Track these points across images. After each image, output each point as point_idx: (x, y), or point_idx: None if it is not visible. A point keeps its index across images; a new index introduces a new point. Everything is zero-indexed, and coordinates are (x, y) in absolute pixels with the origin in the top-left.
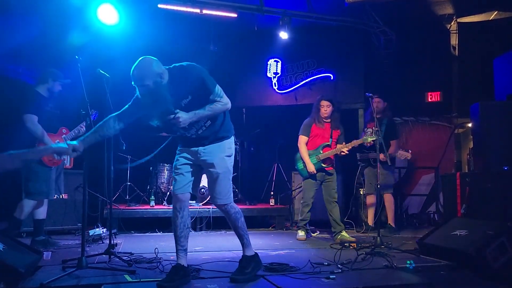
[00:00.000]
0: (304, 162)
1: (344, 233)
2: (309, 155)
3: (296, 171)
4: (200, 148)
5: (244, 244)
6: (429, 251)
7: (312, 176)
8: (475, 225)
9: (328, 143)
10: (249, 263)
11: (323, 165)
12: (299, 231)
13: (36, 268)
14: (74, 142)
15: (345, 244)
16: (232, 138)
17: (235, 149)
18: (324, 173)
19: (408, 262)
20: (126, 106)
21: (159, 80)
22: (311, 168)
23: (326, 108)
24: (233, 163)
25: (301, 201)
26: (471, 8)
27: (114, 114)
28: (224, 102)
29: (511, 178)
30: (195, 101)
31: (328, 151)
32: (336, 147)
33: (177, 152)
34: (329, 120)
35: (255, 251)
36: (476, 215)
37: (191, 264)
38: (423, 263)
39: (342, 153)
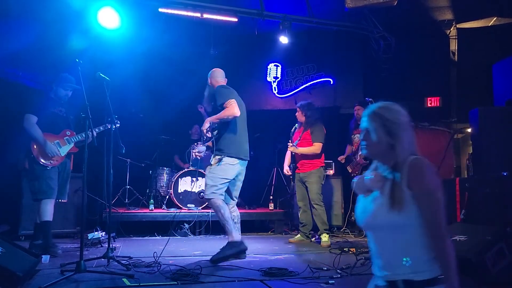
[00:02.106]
0: None
1: (323, 237)
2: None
3: None
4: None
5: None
6: None
7: (292, 177)
8: (474, 230)
9: (294, 144)
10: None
11: (294, 165)
12: (298, 234)
13: (35, 272)
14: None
15: (344, 249)
16: (227, 157)
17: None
18: (300, 175)
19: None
20: None
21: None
22: (284, 169)
23: (296, 113)
24: (224, 171)
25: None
26: (470, 14)
27: None
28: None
29: (510, 183)
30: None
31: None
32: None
33: None
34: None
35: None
36: (475, 220)
37: (191, 268)
38: None
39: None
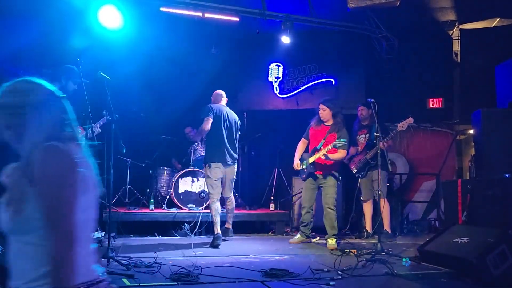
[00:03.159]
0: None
1: (330, 240)
2: (305, 158)
3: (296, 176)
4: None
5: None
6: (430, 258)
7: (304, 178)
8: (476, 232)
9: (318, 147)
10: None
11: (311, 170)
12: (298, 234)
13: None
14: None
15: (345, 251)
16: (207, 163)
17: None
18: (318, 178)
19: (404, 259)
20: None
21: None
22: (295, 163)
23: (321, 111)
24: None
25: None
26: (473, 15)
27: None
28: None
29: None
30: None
31: (313, 156)
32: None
33: None
34: (329, 123)
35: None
36: (477, 222)
37: (190, 269)
38: (424, 270)
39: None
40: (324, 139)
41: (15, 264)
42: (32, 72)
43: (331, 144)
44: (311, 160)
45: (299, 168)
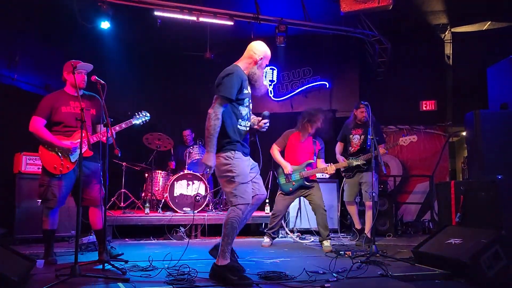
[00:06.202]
0: (283, 174)
1: (325, 242)
2: (293, 171)
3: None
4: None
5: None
6: (424, 260)
7: (289, 193)
8: (469, 233)
9: (313, 161)
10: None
11: (307, 183)
12: (265, 237)
13: (29, 276)
14: None
15: (340, 252)
16: None
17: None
18: (303, 189)
19: None
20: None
21: None
22: (288, 168)
23: (316, 126)
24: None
25: (272, 211)
26: (465, 18)
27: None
28: None
29: (505, 186)
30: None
31: (311, 170)
32: (317, 164)
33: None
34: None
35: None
36: (470, 223)
37: (186, 272)
38: (418, 271)
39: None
40: (314, 152)
41: None
42: (27, 77)
43: (349, 161)
44: (307, 174)
45: (291, 172)
